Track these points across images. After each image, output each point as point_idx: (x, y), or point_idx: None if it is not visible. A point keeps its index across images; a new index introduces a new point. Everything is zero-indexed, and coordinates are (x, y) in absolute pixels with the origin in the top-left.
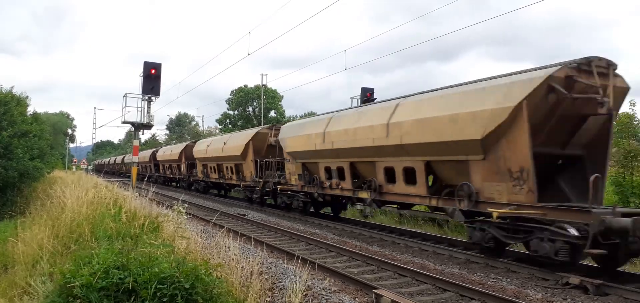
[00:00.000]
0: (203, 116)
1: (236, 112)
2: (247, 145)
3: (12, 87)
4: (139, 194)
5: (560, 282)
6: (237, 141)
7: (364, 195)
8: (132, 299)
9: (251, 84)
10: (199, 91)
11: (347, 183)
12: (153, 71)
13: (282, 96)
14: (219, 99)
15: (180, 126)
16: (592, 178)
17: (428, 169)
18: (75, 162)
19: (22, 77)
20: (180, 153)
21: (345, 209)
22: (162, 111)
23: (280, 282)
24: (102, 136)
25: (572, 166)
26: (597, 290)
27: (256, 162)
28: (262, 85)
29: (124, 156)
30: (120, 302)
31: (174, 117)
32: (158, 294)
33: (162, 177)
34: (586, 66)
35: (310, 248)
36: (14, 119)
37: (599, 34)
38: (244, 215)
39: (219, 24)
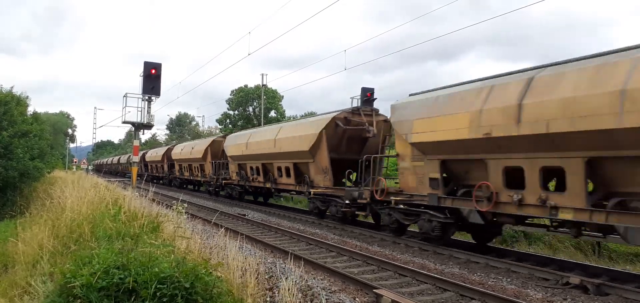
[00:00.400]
0: (203, 116)
1: (236, 112)
2: (206, 150)
3: (12, 87)
4: (139, 194)
5: (561, 282)
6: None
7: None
8: (132, 299)
9: (251, 84)
10: (199, 91)
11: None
12: (153, 71)
13: (283, 96)
14: (220, 99)
15: (180, 126)
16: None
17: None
18: (75, 162)
19: (23, 77)
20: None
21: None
22: (163, 111)
23: (280, 282)
24: (103, 136)
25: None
26: (597, 289)
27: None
28: (262, 85)
29: (129, 156)
30: (121, 301)
31: (174, 117)
32: (158, 294)
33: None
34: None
35: (310, 248)
36: (14, 119)
37: (599, 34)
38: (244, 215)
39: (219, 24)
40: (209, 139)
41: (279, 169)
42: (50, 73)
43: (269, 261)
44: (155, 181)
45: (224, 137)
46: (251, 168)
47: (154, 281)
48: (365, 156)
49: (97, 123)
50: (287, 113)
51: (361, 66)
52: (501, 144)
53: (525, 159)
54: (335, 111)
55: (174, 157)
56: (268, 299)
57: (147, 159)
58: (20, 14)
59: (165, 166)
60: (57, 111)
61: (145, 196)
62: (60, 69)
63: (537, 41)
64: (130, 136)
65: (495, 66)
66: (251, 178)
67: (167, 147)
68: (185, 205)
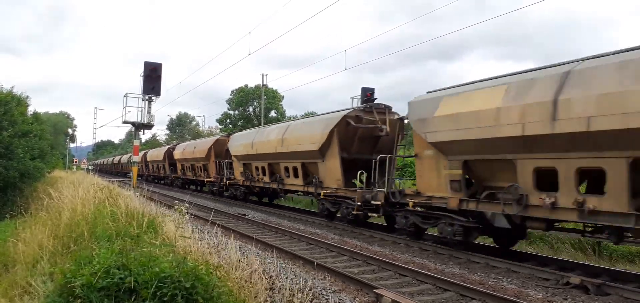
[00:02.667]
0: (203, 115)
1: (236, 112)
2: (209, 149)
3: (12, 87)
4: (140, 194)
5: (561, 282)
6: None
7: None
8: (132, 299)
9: (252, 84)
10: (199, 91)
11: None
12: (153, 71)
13: (283, 96)
14: (220, 99)
15: (180, 126)
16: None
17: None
18: (75, 162)
19: (24, 77)
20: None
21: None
22: (163, 110)
23: (281, 282)
24: (103, 136)
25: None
26: (598, 289)
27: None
28: (263, 85)
29: (129, 156)
30: (121, 301)
31: (174, 117)
32: (158, 294)
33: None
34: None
35: (310, 248)
36: (15, 119)
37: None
38: (244, 215)
39: (220, 24)
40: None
41: (286, 169)
42: (50, 73)
43: (269, 261)
44: (156, 181)
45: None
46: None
47: (154, 281)
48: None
49: (97, 123)
50: (287, 113)
51: (362, 66)
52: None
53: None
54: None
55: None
56: (268, 299)
57: (148, 159)
58: (21, 14)
59: (167, 166)
60: (58, 111)
61: (146, 196)
62: (60, 69)
63: (538, 41)
64: (131, 136)
65: (498, 66)
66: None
67: (168, 146)
68: (188, 205)
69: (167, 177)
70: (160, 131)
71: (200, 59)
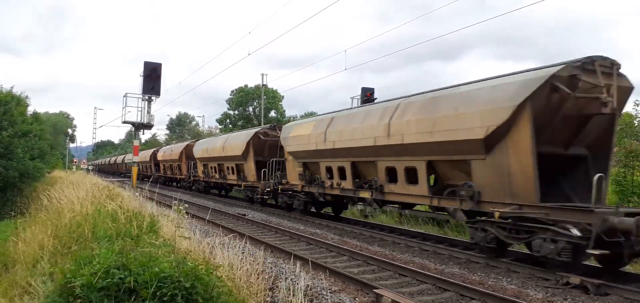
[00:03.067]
0: (203, 116)
1: (236, 112)
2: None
3: (12, 87)
4: (140, 194)
5: (561, 282)
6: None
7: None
8: (132, 299)
9: (252, 84)
10: (199, 91)
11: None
12: (153, 71)
13: (283, 96)
14: (220, 99)
15: (180, 126)
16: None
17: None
18: (75, 162)
19: (24, 77)
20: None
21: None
22: (163, 111)
23: (281, 282)
24: (103, 136)
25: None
26: (598, 290)
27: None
28: (262, 85)
29: (124, 156)
30: (121, 301)
31: (174, 117)
32: (158, 294)
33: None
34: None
35: (310, 248)
36: (15, 119)
37: (601, 34)
38: (244, 215)
39: (220, 24)
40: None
41: (228, 168)
42: (50, 73)
43: (269, 261)
44: (168, 183)
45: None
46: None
47: (154, 281)
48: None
49: (97, 123)
50: (288, 113)
51: (363, 66)
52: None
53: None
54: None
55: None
56: (268, 299)
57: (159, 158)
58: (22, 14)
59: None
60: (57, 111)
61: (146, 196)
62: (60, 69)
63: (539, 41)
64: (131, 136)
65: (499, 66)
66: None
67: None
68: (186, 205)
69: (185, 180)
70: (160, 131)
71: (200, 59)
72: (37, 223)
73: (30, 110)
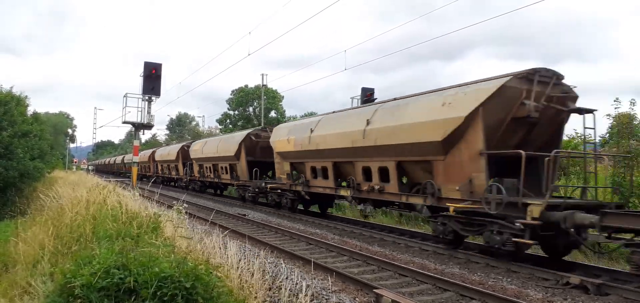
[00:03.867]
0: (203, 116)
1: (236, 112)
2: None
3: (11, 87)
4: (140, 194)
5: (561, 282)
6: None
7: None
8: (132, 299)
9: (252, 84)
10: (199, 91)
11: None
12: (153, 71)
13: (283, 96)
14: (220, 99)
15: (180, 126)
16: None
17: (230, 167)
18: (75, 162)
19: (24, 77)
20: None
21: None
22: (163, 111)
23: (281, 282)
24: (103, 136)
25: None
26: (598, 290)
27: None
28: (263, 85)
29: (124, 156)
30: (121, 301)
31: (174, 117)
32: (158, 294)
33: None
34: (265, 129)
35: (310, 248)
36: (15, 119)
37: (602, 34)
38: (245, 215)
39: (219, 24)
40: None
41: (222, 168)
42: (51, 73)
43: (269, 260)
44: (165, 183)
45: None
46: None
47: (154, 281)
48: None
49: (97, 123)
50: (288, 113)
51: (364, 66)
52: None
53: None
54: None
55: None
56: (268, 299)
57: (157, 158)
58: (21, 14)
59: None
60: (57, 111)
61: (146, 196)
62: (60, 69)
63: (540, 41)
64: (131, 136)
65: (500, 66)
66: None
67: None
68: (186, 205)
69: (181, 179)
70: (160, 131)
71: (200, 59)
72: (37, 223)
73: (30, 110)
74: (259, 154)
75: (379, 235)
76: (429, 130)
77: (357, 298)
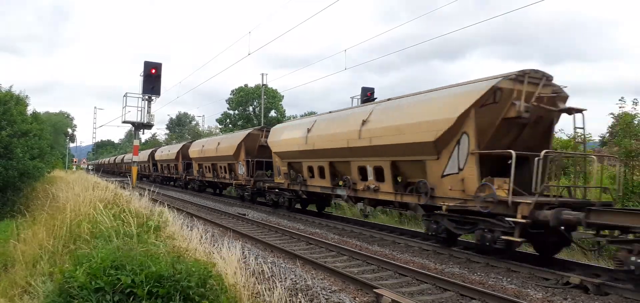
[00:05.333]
0: (203, 115)
1: (236, 112)
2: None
3: (11, 87)
4: (139, 193)
5: (561, 282)
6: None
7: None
8: (130, 299)
9: (253, 83)
10: (200, 91)
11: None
12: (153, 71)
13: (283, 96)
14: (220, 98)
15: (180, 125)
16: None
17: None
18: (75, 162)
19: (25, 77)
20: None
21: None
22: (163, 110)
23: (280, 281)
24: (103, 135)
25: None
26: (598, 289)
27: (247, 162)
28: (262, 85)
29: (124, 156)
30: (118, 301)
31: (174, 117)
32: (155, 293)
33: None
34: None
35: (310, 248)
36: (14, 118)
37: (604, 34)
38: (245, 215)
39: (220, 24)
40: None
41: (221, 167)
42: (51, 73)
43: (269, 260)
44: (166, 183)
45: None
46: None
47: (151, 280)
48: (255, 159)
49: (97, 123)
50: (288, 113)
51: (364, 65)
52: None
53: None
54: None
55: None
56: (267, 298)
57: (157, 157)
58: (23, 14)
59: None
60: (57, 111)
61: (145, 195)
62: (61, 69)
63: (541, 41)
64: (130, 136)
65: (500, 65)
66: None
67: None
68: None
69: (180, 178)
70: (160, 130)
71: (200, 59)
72: (37, 222)
73: (29, 109)
74: (257, 154)
75: (379, 234)
76: (423, 131)
77: (357, 298)
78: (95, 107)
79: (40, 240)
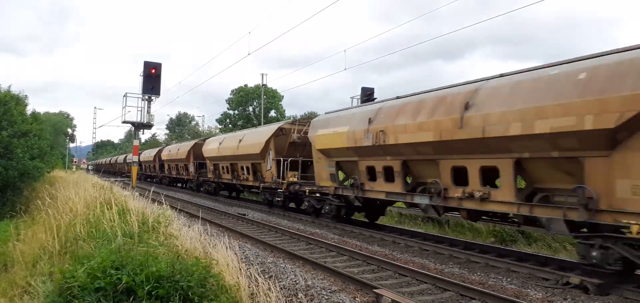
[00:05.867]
0: (203, 115)
1: (236, 112)
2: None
3: (10, 87)
4: (139, 194)
5: (561, 282)
6: (256, 138)
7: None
8: (130, 299)
9: (253, 83)
10: (199, 91)
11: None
12: (153, 71)
13: (283, 96)
14: (220, 98)
15: (180, 125)
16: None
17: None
18: (75, 162)
19: (25, 77)
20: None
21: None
22: (163, 110)
23: (281, 281)
24: (103, 136)
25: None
26: (598, 289)
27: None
28: (262, 85)
29: (126, 156)
30: (118, 301)
31: (174, 117)
32: (155, 293)
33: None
34: (295, 122)
35: (310, 248)
36: (14, 119)
37: (605, 34)
38: (244, 215)
39: (220, 24)
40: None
41: (176, 167)
42: (51, 73)
43: (269, 260)
44: (173, 184)
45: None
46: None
47: (151, 280)
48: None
49: (97, 123)
50: (288, 113)
51: (364, 65)
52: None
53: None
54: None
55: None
56: (267, 299)
57: (163, 157)
58: (24, 14)
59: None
60: (57, 111)
61: (146, 195)
62: (61, 69)
63: (542, 40)
64: (130, 136)
65: (501, 65)
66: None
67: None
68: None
69: (192, 180)
70: (159, 130)
71: (200, 58)
72: (36, 223)
73: (29, 109)
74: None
75: (379, 234)
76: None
77: (357, 298)
78: (95, 108)
79: (40, 240)
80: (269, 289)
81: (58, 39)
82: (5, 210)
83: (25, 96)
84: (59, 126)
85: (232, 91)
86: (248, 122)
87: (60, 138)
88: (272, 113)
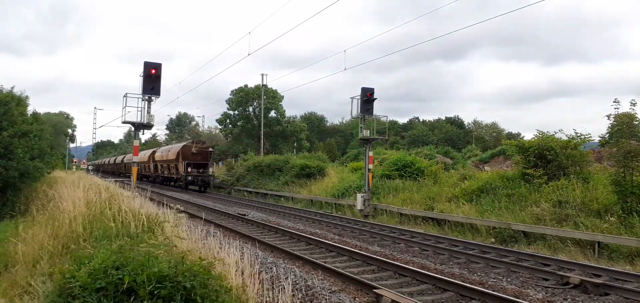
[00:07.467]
0: (203, 115)
1: (236, 112)
2: (178, 152)
3: (12, 87)
4: (139, 194)
5: (561, 282)
6: (174, 150)
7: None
8: (131, 299)
9: (253, 83)
10: (200, 91)
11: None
12: (153, 71)
13: (283, 96)
14: (220, 99)
15: (180, 126)
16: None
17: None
18: (75, 162)
19: (25, 77)
20: (178, 153)
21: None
22: (163, 110)
23: (281, 281)
24: (103, 136)
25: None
26: (598, 289)
27: (184, 163)
28: (262, 85)
29: (124, 156)
30: (119, 302)
31: (174, 117)
32: (156, 293)
33: (160, 177)
34: (194, 142)
35: (310, 248)
36: (15, 119)
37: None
38: (245, 215)
39: (220, 24)
40: (182, 144)
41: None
42: (51, 73)
43: (269, 260)
44: (166, 183)
45: (193, 142)
46: (158, 166)
47: (153, 281)
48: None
49: (97, 123)
50: (288, 113)
51: (364, 66)
52: None
53: None
54: (187, 141)
55: (156, 159)
56: (267, 299)
57: (156, 158)
58: (24, 14)
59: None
60: (57, 111)
61: (146, 196)
62: (61, 69)
63: (543, 41)
64: (130, 136)
65: (501, 66)
66: (160, 172)
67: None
68: (184, 204)
69: (150, 175)
70: (160, 131)
71: (200, 59)
72: (37, 223)
73: (29, 110)
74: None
75: (379, 234)
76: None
77: (357, 298)
78: (95, 108)
79: (40, 240)
80: (269, 289)
81: (58, 38)
82: (5, 210)
83: (27, 96)
84: (59, 127)
85: (232, 92)
86: (248, 122)
87: (61, 138)
88: (272, 113)
